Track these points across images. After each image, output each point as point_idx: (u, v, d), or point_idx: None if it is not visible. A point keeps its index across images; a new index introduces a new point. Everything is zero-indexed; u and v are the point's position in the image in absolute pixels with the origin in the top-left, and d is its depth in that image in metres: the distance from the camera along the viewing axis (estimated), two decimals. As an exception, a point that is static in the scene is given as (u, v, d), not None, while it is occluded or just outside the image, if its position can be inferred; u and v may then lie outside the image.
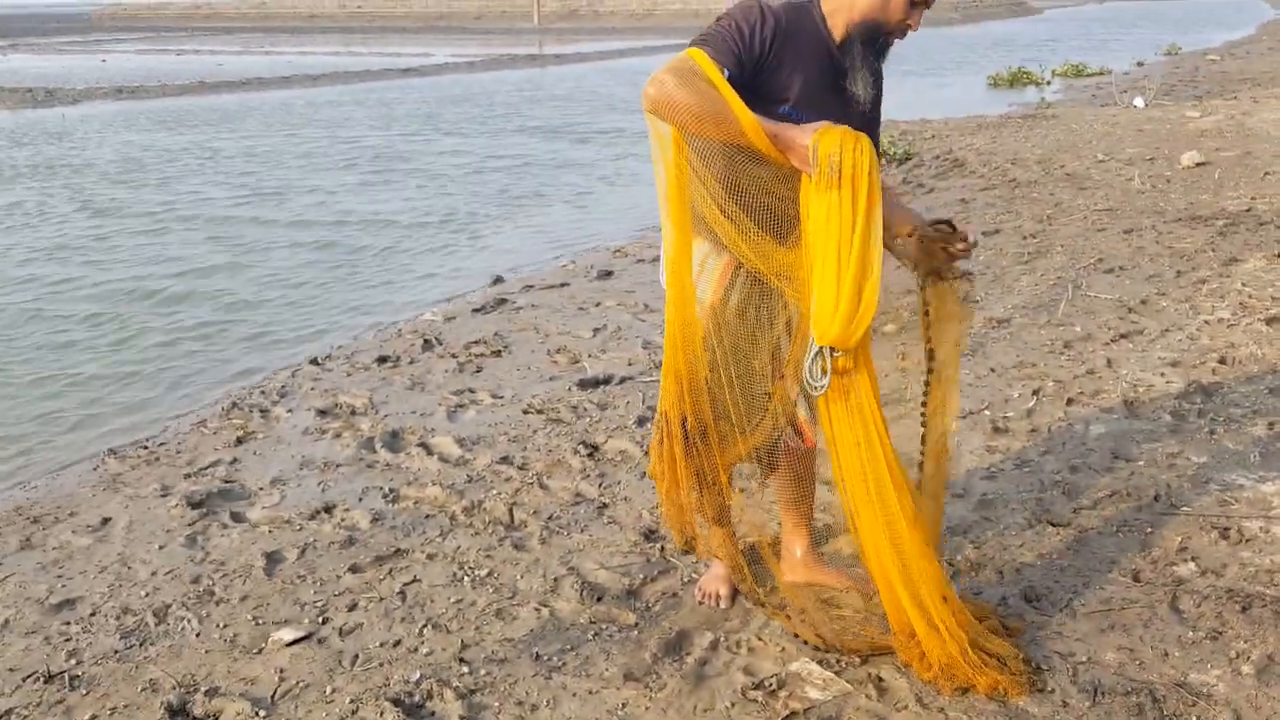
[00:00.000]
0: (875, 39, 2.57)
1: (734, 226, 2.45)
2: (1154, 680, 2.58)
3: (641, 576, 3.15)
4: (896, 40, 2.61)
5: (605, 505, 3.65)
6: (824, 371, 2.42)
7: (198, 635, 2.92)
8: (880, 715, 2.47)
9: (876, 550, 2.52)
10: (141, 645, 2.88)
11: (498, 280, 7.31)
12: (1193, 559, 3.13)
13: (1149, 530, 3.30)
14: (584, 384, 4.90)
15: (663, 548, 3.31)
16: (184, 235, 9.13)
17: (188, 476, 4.01)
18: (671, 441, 2.54)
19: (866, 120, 2.60)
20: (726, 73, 2.34)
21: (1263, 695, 2.52)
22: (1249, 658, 2.65)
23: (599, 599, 3.03)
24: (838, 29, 2.55)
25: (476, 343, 5.63)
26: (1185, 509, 3.43)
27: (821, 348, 2.40)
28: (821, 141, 2.30)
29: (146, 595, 3.14)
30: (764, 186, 2.43)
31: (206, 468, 4.10)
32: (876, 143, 2.69)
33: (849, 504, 2.53)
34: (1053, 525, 3.35)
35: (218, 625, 2.96)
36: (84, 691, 2.68)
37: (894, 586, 2.53)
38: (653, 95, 2.33)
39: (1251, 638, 2.74)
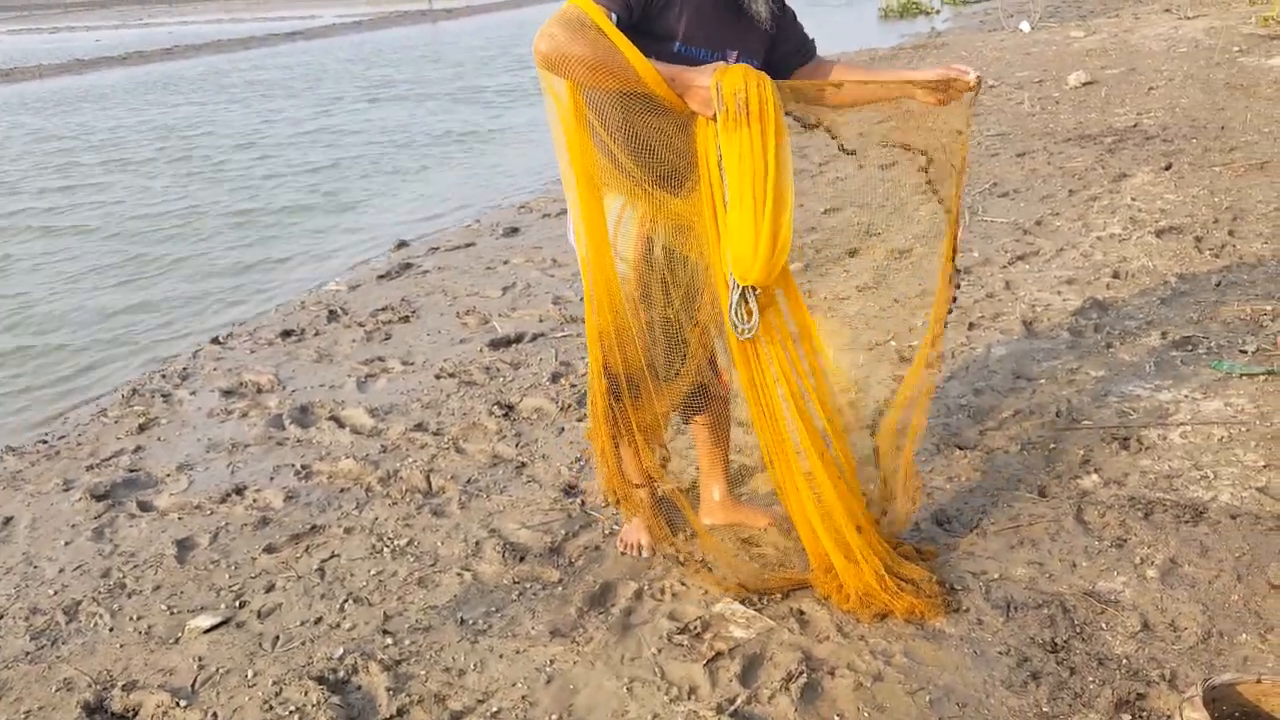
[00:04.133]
0: None
1: (631, 181, 2.42)
2: (1064, 591, 2.66)
3: (563, 533, 3.15)
4: None
5: (523, 464, 3.63)
6: (750, 313, 2.42)
7: (111, 630, 2.84)
8: (803, 648, 2.51)
9: (794, 487, 2.56)
10: (53, 645, 2.79)
11: (402, 244, 7.17)
12: (1095, 471, 3.23)
13: (1052, 446, 3.40)
14: (495, 344, 4.85)
15: (583, 503, 3.31)
16: (71, 225, 8.77)
17: (90, 469, 3.88)
18: (604, 401, 2.53)
19: (770, 39, 2.58)
20: (614, 17, 2.29)
21: (1167, 597, 2.62)
22: (1153, 562, 2.75)
23: (521, 558, 3.02)
24: None
25: (383, 309, 5.53)
26: (1086, 422, 3.53)
27: (745, 289, 2.40)
28: (725, 80, 2.27)
29: (55, 593, 3.04)
30: (662, 137, 2.39)
31: (110, 458, 3.97)
32: (806, 46, 2.67)
33: (765, 443, 2.56)
34: (960, 448, 3.42)
35: (131, 618, 2.88)
36: (-5, 698, 2.59)
37: (811, 521, 2.57)
38: (544, 50, 2.27)
39: (1154, 543, 2.84)
